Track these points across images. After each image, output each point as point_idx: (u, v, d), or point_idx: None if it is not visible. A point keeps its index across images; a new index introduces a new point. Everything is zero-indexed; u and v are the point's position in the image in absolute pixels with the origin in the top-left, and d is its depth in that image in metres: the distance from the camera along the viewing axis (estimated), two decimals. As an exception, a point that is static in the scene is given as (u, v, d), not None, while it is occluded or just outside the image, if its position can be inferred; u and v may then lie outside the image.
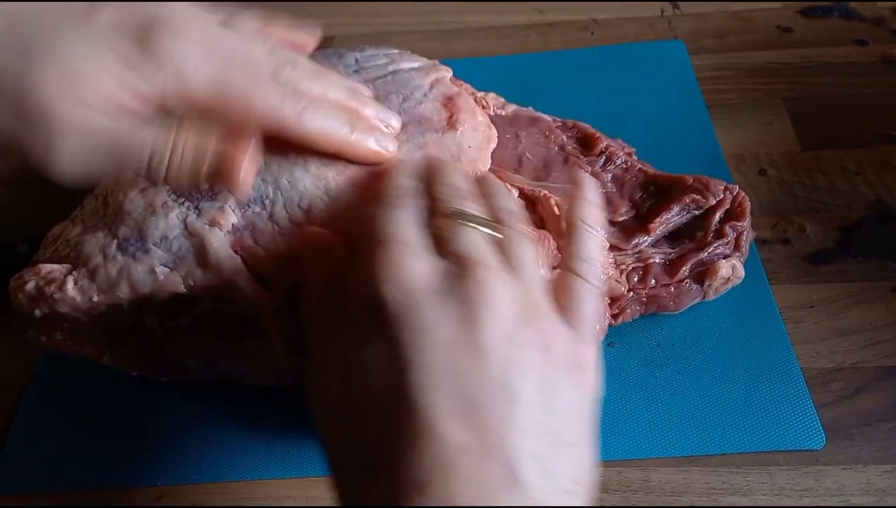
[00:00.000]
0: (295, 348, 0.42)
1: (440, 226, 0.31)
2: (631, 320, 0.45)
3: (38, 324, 0.42)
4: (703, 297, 0.46)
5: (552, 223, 0.43)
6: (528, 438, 0.26)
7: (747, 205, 0.46)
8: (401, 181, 0.35)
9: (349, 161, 0.39)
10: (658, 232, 0.45)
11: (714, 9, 0.69)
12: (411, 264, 0.28)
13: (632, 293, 0.44)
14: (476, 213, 0.32)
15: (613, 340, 0.45)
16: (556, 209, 0.43)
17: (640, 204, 0.47)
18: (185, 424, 0.45)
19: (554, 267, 0.43)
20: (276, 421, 0.44)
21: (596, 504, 0.40)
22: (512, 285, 0.29)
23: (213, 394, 0.45)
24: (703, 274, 0.45)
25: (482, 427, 0.25)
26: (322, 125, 0.36)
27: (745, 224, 0.45)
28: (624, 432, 0.42)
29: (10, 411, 0.46)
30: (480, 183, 0.37)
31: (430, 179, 0.35)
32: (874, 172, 0.54)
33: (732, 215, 0.45)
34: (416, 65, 0.48)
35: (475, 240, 0.30)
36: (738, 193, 0.46)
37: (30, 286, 0.41)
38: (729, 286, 0.45)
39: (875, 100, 0.59)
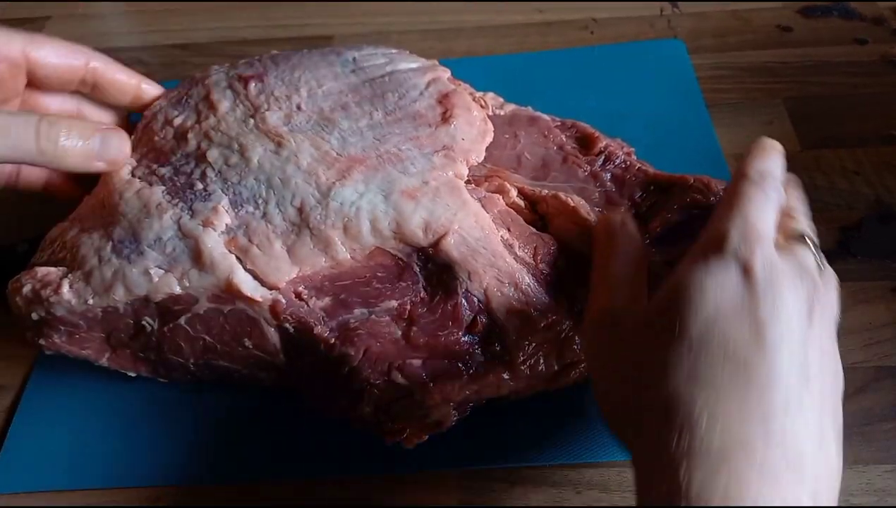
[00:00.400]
0: (294, 349, 0.42)
1: (787, 234, 0.35)
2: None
3: (36, 327, 0.42)
4: None
5: (564, 218, 0.43)
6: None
7: None
8: (774, 168, 0.38)
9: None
10: (659, 231, 0.45)
11: (714, 8, 0.69)
12: (773, 251, 0.33)
13: None
14: (817, 241, 0.36)
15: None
16: (569, 202, 0.43)
17: (640, 203, 0.47)
18: (185, 424, 0.45)
19: (555, 262, 0.43)
20: (277, 421, 0.44)
21: (596, 505, 0.40)
22: (830, 304, 0.34)
23: (214, 394, 0.45)
24: None
25: (812, 386, 0.31)
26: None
27: None
28: (624, 432, 0.42)
29: (9, 411, 0.46)
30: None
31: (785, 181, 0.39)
32: (874, 172, 0.54)
33: None
34: (413, 65, 0.48)
35: (813, 262, 0.35)
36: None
37: (26, 289, 0.41)
38: None
39: (875, 99, 0.59)
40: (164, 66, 0.69)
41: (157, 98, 0.48)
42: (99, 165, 0.43)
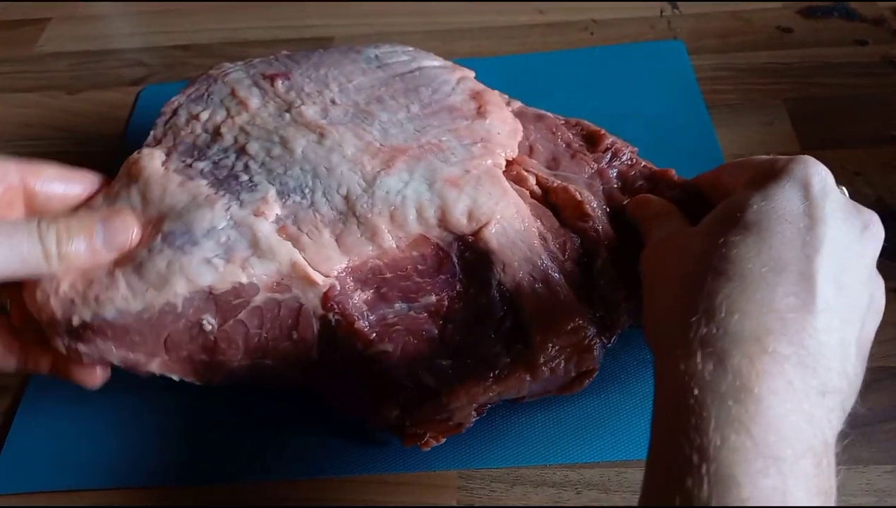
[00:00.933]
0: (328, 344, 0.41)
1: None
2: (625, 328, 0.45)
3: (73, 332, 0.39)
4: None
5: (569, 211, 0.43)
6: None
7: None
8: None
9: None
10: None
11: (714, 9, 0.69)
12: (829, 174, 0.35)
13: (625, 303, 0.44)
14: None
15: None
16: (577, 196, 0.43)
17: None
18: (185, 424, 0.45)
19: (578, 259, 0.43)
20: (277, 422, 0.44)
21: (596, 505, 0.40)
22: (879, 237, 0.36)
23: (214, 394, 0.45)
24: None
25: (846, 295, 0.32)
26: None
27: None
28: (624, 433, 0.42)
29: (10, 411, 0.46)
30: None
31: None
32: (875, 172, 0.54)
33: None
34: (437, 63, 0.49)
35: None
36: None
37: (65, 288, 0.38)
38: None
39: (875, 100, 0.59)
40: (165, 67, 0.69)
41: None
42: (108, 256, 0.39)
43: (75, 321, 0.38)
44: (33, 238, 0.36)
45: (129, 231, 0.39)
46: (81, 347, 0.39)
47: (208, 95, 0.47)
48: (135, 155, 0.43)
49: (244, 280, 0.39)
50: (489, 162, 0.42)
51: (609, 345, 0.43)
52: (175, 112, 0.47)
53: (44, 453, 0.44)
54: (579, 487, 0.41)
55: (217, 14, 0.74)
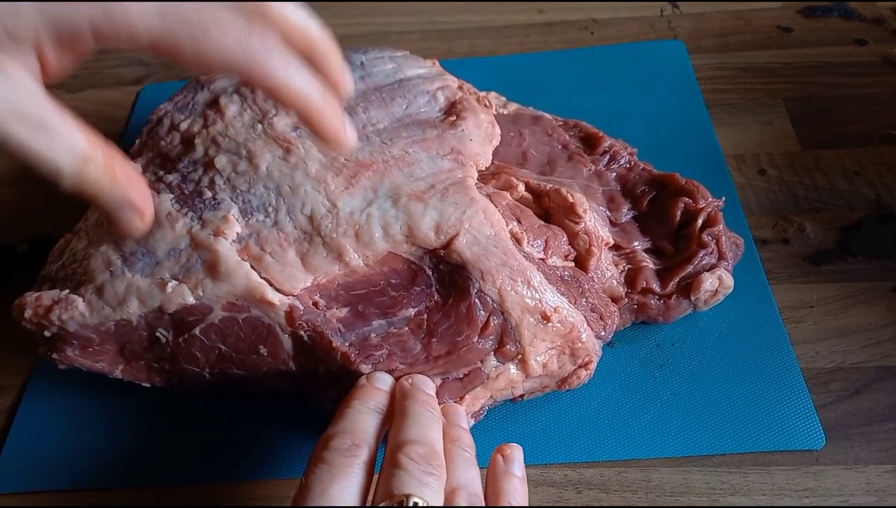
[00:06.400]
0: (307, 357, 0.42)
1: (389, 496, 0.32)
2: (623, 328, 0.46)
3: (48, 342, 0.42)
4: (695, 309, 0.46)
5: (562, 213, 0.43)
6: None
7: (719, 213, 0.46)
8: (360, 420, 0.36)
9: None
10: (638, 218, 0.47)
11: (714, 9, 0.69)
12: None
13: (627, 299, 0.45)
14: (424, 504, 0.32)
15: (613, 341, 0.45)
16: (569, 198, 0.43)
17: (641, 198, 0.47)
18: (184, 425, 0.45)
19: (566, 256, 0.43)
20: (275, 421, 0.44)
21: (596, 505, 0.40)
22: None
23: (213, 395, 0.45)
24: (689, 287, 0.44)
25: None
26: (293, 77, 0.31)
27: (720, 228, 0.45)
28: (624, 432, 0.42)
29: (10, 411, 0.46)
30: (445, 413, 0.40)
31: (397, 416, 0.37)
32: (874, 172, 0.54)
33: (707, 222, 0.46)
34: (421, 71, 0.49)
35: None
36: (710, 201, 0.46)
37: (28, 314, 0.41)
38: (720, 297, 0.45)
39: (875, 100, 0.59)
40: (165, 66, 0.69)
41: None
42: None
43: (46, 334, 0.41)
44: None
45: (150, 210, 0.33)
46: (54, 356, 0.42)
47: (193, 103, 0.47)
48: None
49: (191, 301, 0.39)
50: (459, 175, 0.42)
51: (605, 337, 0.43)
52: (160, 120, 0.47)
53: (44, 453, 0.44)
54: (579, 487, 0.41)
55: (216, 13, 0.74)
